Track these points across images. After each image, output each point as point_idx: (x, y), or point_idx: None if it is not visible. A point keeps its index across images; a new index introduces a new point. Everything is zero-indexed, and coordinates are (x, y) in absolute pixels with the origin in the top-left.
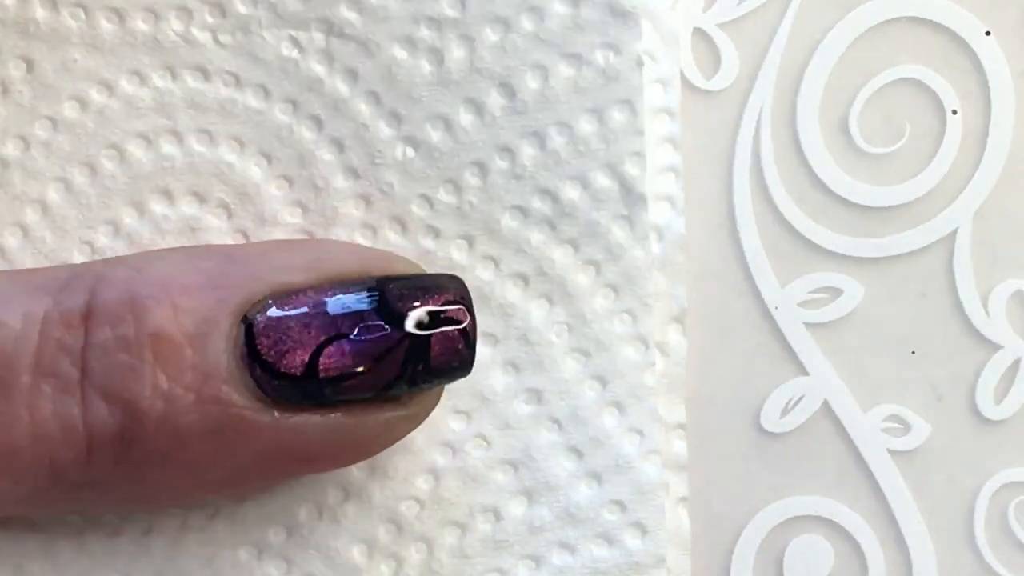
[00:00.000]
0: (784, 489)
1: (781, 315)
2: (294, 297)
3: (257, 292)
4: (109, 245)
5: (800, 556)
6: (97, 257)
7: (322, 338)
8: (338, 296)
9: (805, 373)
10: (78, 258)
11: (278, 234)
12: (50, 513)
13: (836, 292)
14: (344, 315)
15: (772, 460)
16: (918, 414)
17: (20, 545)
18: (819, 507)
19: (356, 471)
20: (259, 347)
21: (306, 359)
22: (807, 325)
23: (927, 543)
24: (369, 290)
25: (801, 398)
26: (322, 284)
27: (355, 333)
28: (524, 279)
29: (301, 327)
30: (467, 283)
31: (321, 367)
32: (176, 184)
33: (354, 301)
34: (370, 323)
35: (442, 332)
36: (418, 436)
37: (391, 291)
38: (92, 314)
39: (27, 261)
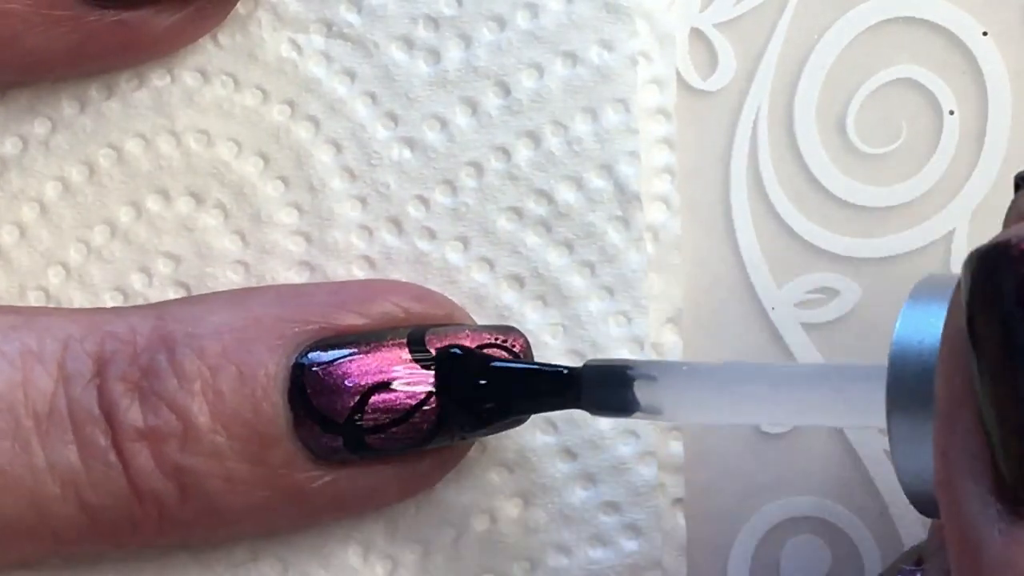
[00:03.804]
0: (781, 490)
1: (778, 316)
2: (340, 344)
3: (305, 338)
4: (105, 244)
5: (797, 557)
6: (92, 256)
7: (364, 387)
8: (381, 343)
9: None
10: (74, 257)
11: (274, 235)
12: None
13: (833, 292)
14: (386, 364)
15: (769, 461)
16: None
17: None
18: (816, 508)
19: None
20: (307, 394)
21: (349, 407)
22: (804, 326)
23: None
24: (411, 336)
25: None
26: (368, 328)
27: (396, 382)
28: (519, 281)
29: (344, 376)
30: (462, 286)
31: (365, 415)
32: (173, 183)
33: (395, 348)
34: (411, 370)
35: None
36: None
37: (431, 338)
38: (141, 369)
39: (24, 259)
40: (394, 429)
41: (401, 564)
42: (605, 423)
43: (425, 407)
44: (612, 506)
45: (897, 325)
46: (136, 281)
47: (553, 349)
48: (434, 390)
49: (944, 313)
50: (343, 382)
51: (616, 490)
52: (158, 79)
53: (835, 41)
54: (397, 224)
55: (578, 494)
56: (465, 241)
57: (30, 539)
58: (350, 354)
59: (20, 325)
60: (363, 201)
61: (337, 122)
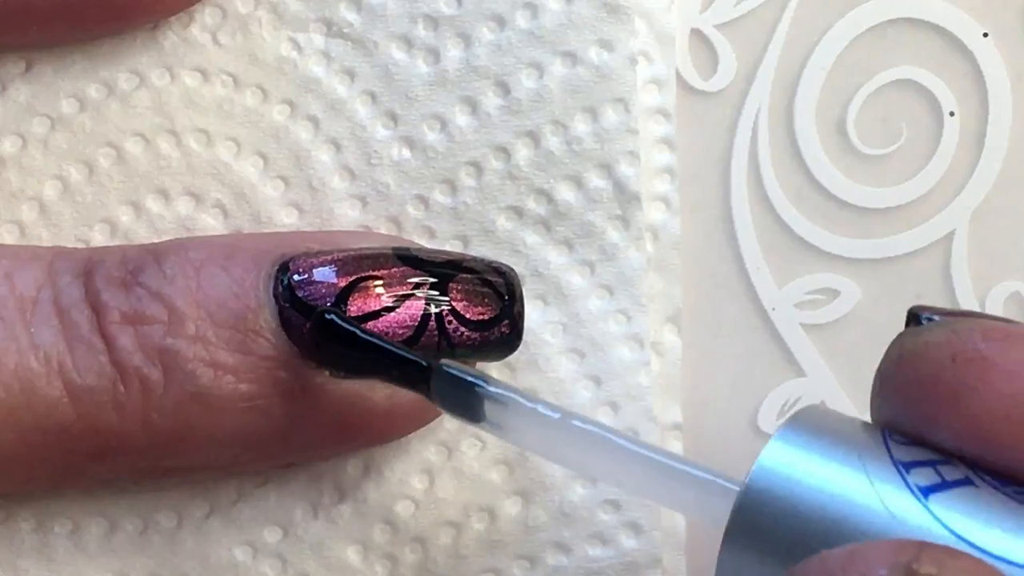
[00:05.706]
0: None
1: (778, 316)
2: (326, 254)
3: (291, 253)
4: (105, 243)
5: None
6: None
7: (351, 275)
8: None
9: (802, 374)
10: None
11: None
12: (82, 478)
13: (833, 293)
14: (370, 260)
15: None
16: None
17: (17, 544)
18: None
19: (351, 470)
20: (291, 286)
21: (334, 293)
22: (804, 326)
23: None
24: (395, 248)
25: (798, 399)
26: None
27: (382, 278)
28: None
29: (332, 272)
30: None
31: (350, 305)
32: (173, 183)
33: (379, 254)
34: (394, 268)
35: (461, 278)
36: (413, 436)
37: (410, 250)
38: (128, 271)
39: None
40: (379, 319)
41: (401, 563)
42: (605, 422)
43: (412, 299)
44: (612, 504)
45: (761, 457)
46: None
47: (553, 347)
48: (422, 284)
49: (812, 459)
50: (330, 279)
51: (615, 488)
52: (157, 78)
53: (835, 42)
54: (397, 223)
55: (578, 492)
56: (465, 240)
57: (7, 427)
58: (334, 256)
59: (11, 243)
60: (363, 201)
61: (337, 122)
